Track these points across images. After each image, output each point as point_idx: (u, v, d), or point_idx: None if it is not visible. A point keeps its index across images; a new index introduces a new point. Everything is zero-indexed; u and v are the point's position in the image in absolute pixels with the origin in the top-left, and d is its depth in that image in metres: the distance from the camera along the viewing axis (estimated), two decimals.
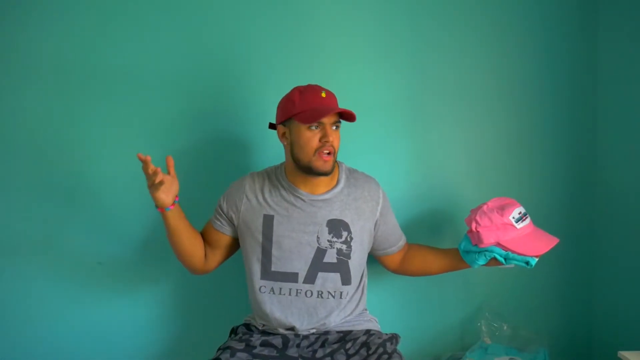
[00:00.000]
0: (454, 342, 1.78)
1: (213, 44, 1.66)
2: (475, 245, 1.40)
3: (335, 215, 1.37)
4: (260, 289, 1.36)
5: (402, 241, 1.53)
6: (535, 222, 1.68)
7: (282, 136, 1.37)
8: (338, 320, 1.37)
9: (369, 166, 1.55)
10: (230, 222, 1.41)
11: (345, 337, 1.37)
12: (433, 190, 1.76)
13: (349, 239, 1.37)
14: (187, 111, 1.66)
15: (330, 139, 1.29)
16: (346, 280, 1.37)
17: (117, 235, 1.65)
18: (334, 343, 1.35)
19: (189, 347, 1.69)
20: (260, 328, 1.39)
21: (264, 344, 1.33)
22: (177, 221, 1.33)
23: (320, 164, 1.30)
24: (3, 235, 1.62)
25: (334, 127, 1.32)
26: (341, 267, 1.37)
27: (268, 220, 1.36)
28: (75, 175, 1.63)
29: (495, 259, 1.40)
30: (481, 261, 1.41)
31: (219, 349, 1.34)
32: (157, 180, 1.22)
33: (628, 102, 1.68)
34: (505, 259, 1.39)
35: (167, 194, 1.27)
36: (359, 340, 1.36)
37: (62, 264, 1.64)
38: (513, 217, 1.39)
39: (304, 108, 1.29)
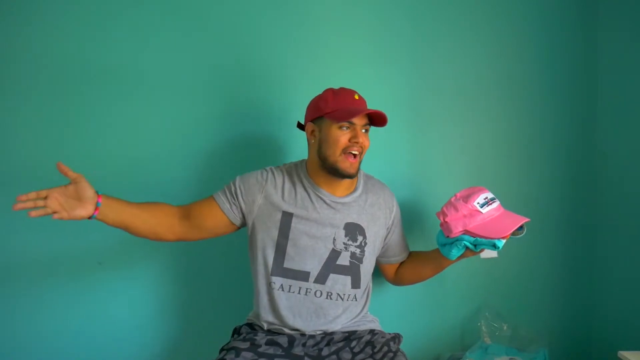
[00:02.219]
0: (454, 342, 1.78)
1: (220, 44, 1.66)
2: (448, 237, 1.38)
3: (353, 219, 1.37)
4: (270, 284, 1.35)
5: (405, 254, 1.53)
6: (535, 222, 1.69)
7: (311, 134, 1.37)
8: (344, 322, 1.37)
9: (369, 166, 1.55)
10: (240, 209, 1.37)
11: (350, 336, 1.37)
12: (433, 190, 1.76)
13: (363, 244, 1.37)
14: (195, 111, 1.66)
15: (360, 139, 1.29)
16: (356, 284, 1.38)
17: (117, 235, 1.64)
18: (339, 342, 1.36)
19: (191, 347, 1.68)
20: (265, 328, 1.38)
21: (270, 343, 1.33)
22: (116, 216, 1.23)
23: (346, 165, 1.30)
24: (4, 236, 1.61)
25: (364, 130, 1.34)
26: (353, 271, 1.37)
27: (286, 217, 1.34)
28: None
29: (469, 247, 1.37)
30: (455, 251, 1.37)
31: (222, 350, 1.34)
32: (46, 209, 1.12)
33: (628, 102, 1.69)
34: (475, 246, 1.35)
35: (81, 206, 1.16)
36: (364, 339, 1.36)
37: (62, 264, 1.63)
38: (478, 203, 1.37)
39: (337, 107, 1.30)
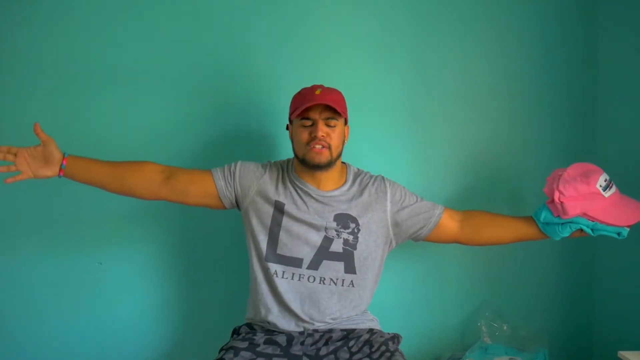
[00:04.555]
0: (454, 342, 1.78)
1: (219, 44, 1.67)
2: (558, 216, 1.30)
3: (342, 210, 1.39)
4: (267, 270, 1.37)
5: (439, 209, 1.45)
6: None
7: (290, 137, 1.43)
8: (340, 310, 1.37)
9: (369, 166, 1.55)
10: (234, 190, 1.40)
11: (348, 335, 1.37)
12: (433, 190, 1.76)
13: (356, 230, 1.38)
14: (192, 109, 1.67)
15: (319, 133, 1.32)
16: (350, 269, 1.38)
17: (117, 235, 1.65)
18: (337, 341, 1.36)
19: (190, 348, 1.69)
20: (262, 315, 1.38)
21: (268, 342, 1.33)
22: (84, 176, 1.32)
23: (312, 155, 1.33)
24: (3, 236, 1.61)
25: (330, 125, 1.34)
26: (346, 257, 1.38)
27: (279, 206, 1.37)
28: None
29: (580, 230, 1.32)
30: (565, 233, 1.32)
31: (221, 350, 1.34)
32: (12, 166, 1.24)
33: (628, 102, 1.68)
34: (592, 230, 1.30)
35: (47, 167, 1.27)
36: (362, 338, 1.36)
37: (62, 264, 1.63)
38: (600, 185, 1.27)
39: (296, 105, 1.35)
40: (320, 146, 1.32)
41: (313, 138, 1.32)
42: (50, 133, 1.58)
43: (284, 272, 1.36)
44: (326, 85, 1.39)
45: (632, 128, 1.66)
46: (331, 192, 1.39)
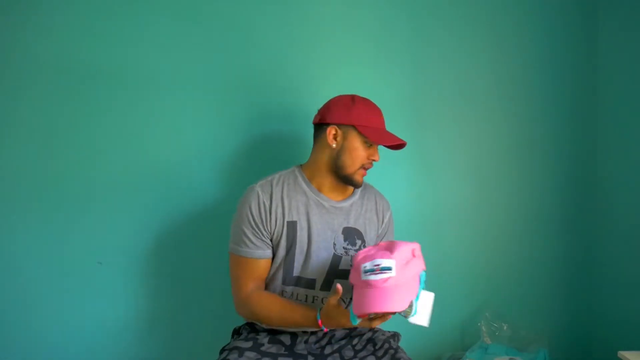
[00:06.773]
0: (454, 342, 1.79)
1: (218, 44, 1.67)
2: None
3: (351, 223, 1.38)
4: (282, 293, 1.36)
5: None
6: (536, 222, 1.69)
7: (333, 137, 1.34)
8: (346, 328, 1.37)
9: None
10: (270, 241, 1.35)
11: (351, 333, 1.38)
12: (433, 190, 1.77)
13: (362, 247, 1.38)
14: (194, 110, 1.66)
15: (377, 158, 1.36)
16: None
17: (117, 235, 1.64)
18: (340, 339, 1.37)
19: (190, 348, 1.68)
20: (265, 327, 1.38)
21: (272, 342, 1.33)
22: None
23: (359, 178, 1.36)
24: (3, 235, 1.61)
25: None
26: None
27: (291, 227, 1.34)
28: (76, 175, 1.62)
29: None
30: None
31: (223, 350, 1.33)
32: None
33: (628, 102, 1.69)
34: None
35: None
36: (365, 337, 1.37)
37: (62, 264, 1.63)
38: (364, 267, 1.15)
39: (370, 124, 1.32)
40: (368, 168, 1.36)
41: (371, 162, 1.35)
42: (53, 135, 1.60)
43: (298, 294, 1.35)
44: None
45: (632, 129, 1.67)
46: (341, 202, 1.38)
